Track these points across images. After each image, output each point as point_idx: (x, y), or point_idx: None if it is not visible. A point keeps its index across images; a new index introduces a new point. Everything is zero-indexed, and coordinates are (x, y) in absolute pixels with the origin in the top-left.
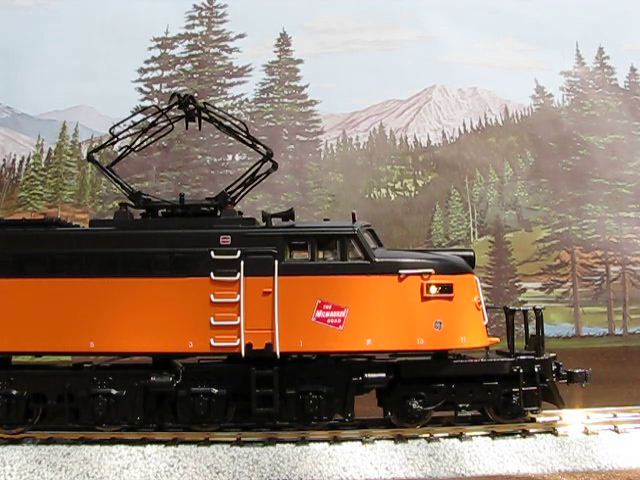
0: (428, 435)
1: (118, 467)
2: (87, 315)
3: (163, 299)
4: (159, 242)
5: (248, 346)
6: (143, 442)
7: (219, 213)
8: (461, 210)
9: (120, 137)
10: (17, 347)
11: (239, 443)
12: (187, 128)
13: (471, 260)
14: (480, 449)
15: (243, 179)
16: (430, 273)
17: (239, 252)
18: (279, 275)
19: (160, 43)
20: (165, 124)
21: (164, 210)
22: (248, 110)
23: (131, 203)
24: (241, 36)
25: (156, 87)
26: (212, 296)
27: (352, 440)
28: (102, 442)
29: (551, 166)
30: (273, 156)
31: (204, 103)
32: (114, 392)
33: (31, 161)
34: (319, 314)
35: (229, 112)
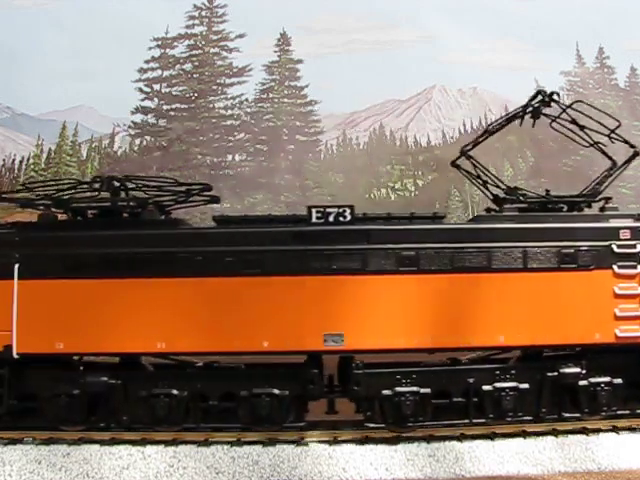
0: (428, 436)
1: (118, 467)
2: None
3: (546, 292)
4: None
5: None
6: (143, 442)
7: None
8: (461, 210)
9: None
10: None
11: (239, 443)
12: (533, 126)
13: None
14: (480, 450)
15: (613, 176)
16: None
17: (638, 246)
18: None
19: (160, 43)
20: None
21: (523, 205)
22: (248, 110)
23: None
24: (241, 36)
25: (156, 87)
26: (616, 288)
27: (352, 441)
28: (102, 442)
29: (551, 166)
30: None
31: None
32: (523, 387)
33: (31, 161)
34: None
35: (228, 112)
